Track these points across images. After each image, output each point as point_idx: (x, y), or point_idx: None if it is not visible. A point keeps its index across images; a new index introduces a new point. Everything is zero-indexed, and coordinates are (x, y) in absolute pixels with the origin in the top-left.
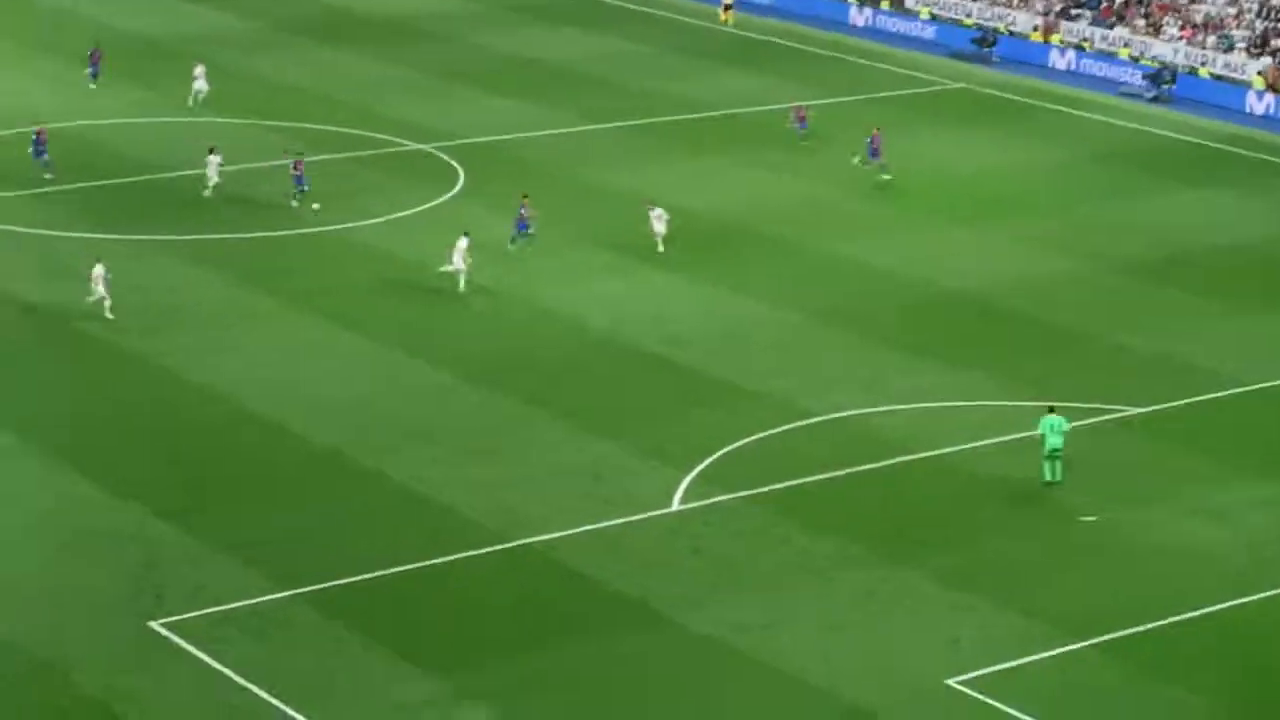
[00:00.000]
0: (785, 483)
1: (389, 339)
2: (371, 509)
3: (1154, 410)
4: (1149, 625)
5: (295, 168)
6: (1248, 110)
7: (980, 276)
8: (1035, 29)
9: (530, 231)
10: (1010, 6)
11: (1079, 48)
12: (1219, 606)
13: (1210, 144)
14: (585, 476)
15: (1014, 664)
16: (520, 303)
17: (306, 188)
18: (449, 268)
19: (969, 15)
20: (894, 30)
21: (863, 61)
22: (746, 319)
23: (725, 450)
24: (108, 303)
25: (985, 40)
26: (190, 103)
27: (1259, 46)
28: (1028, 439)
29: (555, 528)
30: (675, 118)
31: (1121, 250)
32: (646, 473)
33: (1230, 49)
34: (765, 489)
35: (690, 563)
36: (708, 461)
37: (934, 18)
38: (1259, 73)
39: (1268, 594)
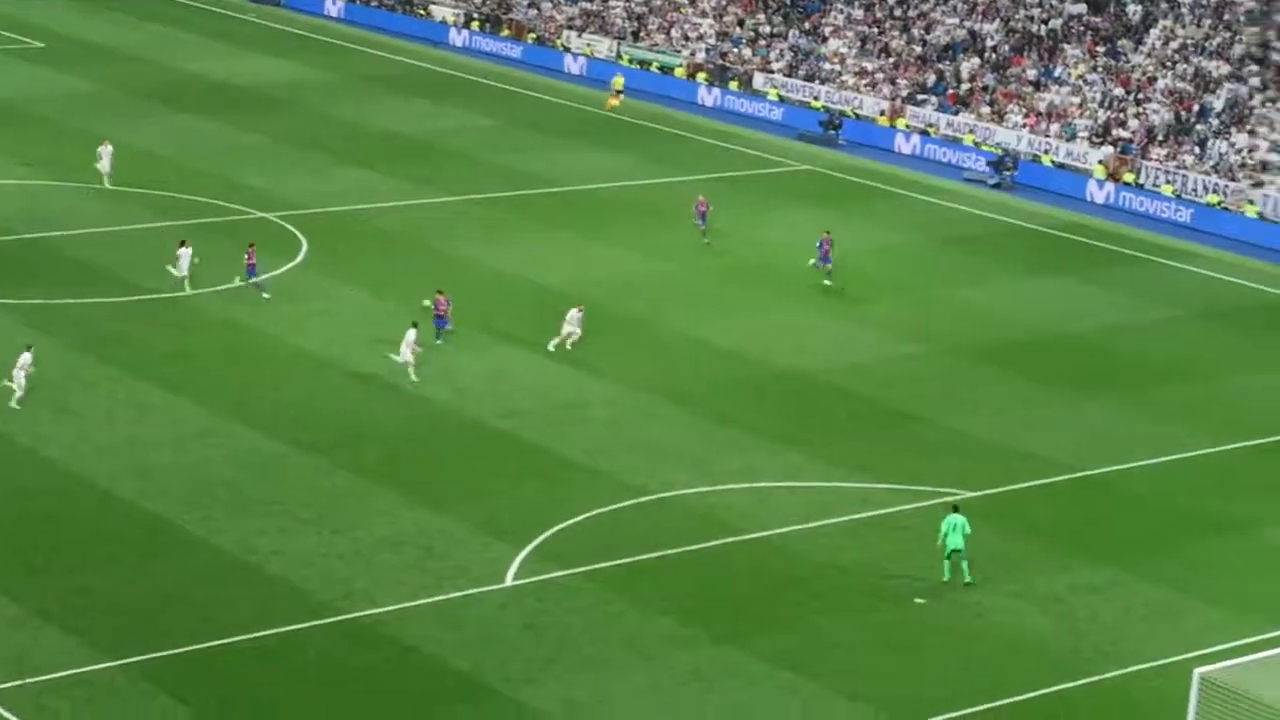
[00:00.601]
0: (618, 560)
1: (225, 407)
2: (201, 578)
3: (988, 494)
4: (976, 709)
5: (249, 257)
6: (1089, 198)
7: (821, 358)
8: (882, 113)
9: (449, 328)
10: (858, 90)
11: (924, 132)
12: (1045, 691)
13: (1052, 231)
14: (419, 549)
15: None
16: (360, 374)
17: (255, 277)
18: (397, 358)
19: (817, 98)
20: (742, 111)
21: (711, 141)
22: (587, 394)
23: (560, 526)
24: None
25: (832, 123)
26: (106, 184)
27: (1101, 136)
28: (859, 521)
29: (387, 601)
30: (525, 192)
31: (962, 335)
32: (480, 547)
33: (1073, 138)
34: (598, 566)
35: (523, 638)
36: (542, 537)
37: (782, 99)
38: (1100, 161)
39: (1093, 679)
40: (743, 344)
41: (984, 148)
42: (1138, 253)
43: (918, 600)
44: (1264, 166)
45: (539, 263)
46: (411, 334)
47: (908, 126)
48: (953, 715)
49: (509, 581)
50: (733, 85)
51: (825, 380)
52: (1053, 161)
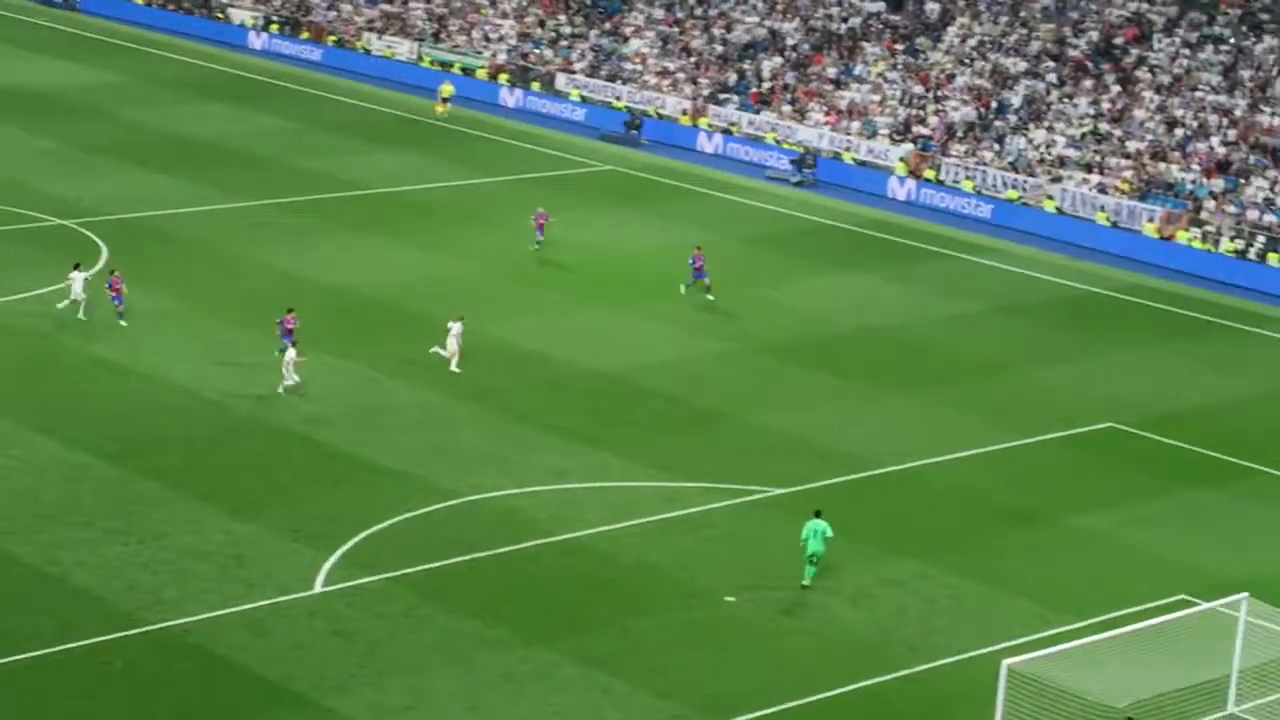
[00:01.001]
0: (428, 564)
1: (24, 417)
2: (3, 590)
3: (794, 491)
4: (787, 705)
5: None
6: (890, 195)
7: (626, 357)
8: (684, 112)
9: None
10: (660, 90)
11: (727, 131)
12: (855, 686)
13: (855, 228)
14: (225, 558)
15: None
16: (161, 382)
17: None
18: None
19: (619, 98)
20: (545, 111)
21: (514, 142)
22: (393, 398)
23: (368, 531)
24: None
25: (634, 123)
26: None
27: (901, 133)
28: (667, 520)
29: (194, 610)
30: (327, 196)
31: (767, 332)
32: (288, 554)
33: (874, 135)
34: (408, 570)
35: (332, 645)
36: (351, 543)
37: (584, 100)
38: (901, 159)
39: (903, 673)
40: (547, 345)
41: (786, 146)
42: (939, 249)
43: (727, 598)
44: (1061, 162)
45: (341, 266)
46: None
47: (710, 126)
48: (765, 712)
49: (318, 588)
50: (535, 86)
51: (631, 380)
52: (854, 159)
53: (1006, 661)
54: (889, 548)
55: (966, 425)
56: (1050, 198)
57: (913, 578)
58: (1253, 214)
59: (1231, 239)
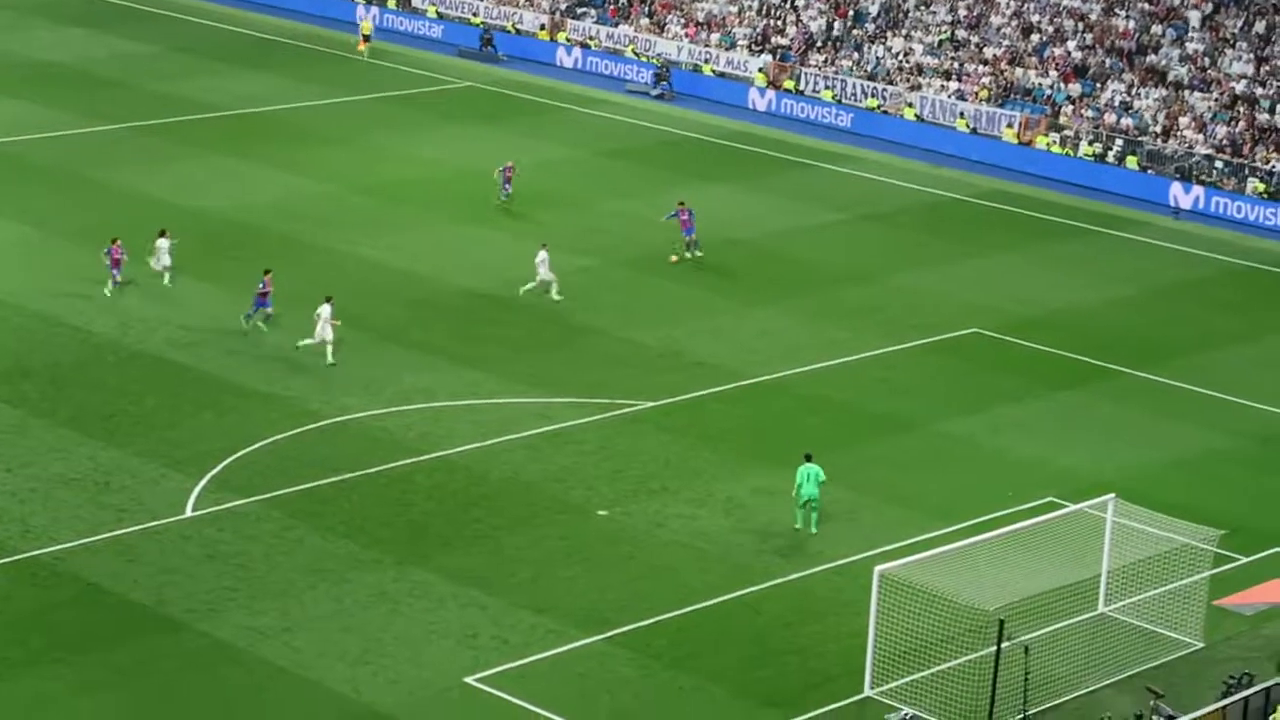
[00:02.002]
0: (297, 486)
1: None
2: None
3: (663, 404)
4: (663, 616)
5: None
6: (751, 106)
7: (492, 274)
8: (542, 27)
9: (269, 310)
10: (517, 5)
11: (585, 45)
12: (730, 596)
13: (716, 140)
14: (95, 484)
15: (531, 660)
16: (21, 309)
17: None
18: (309, 342)
19: (476, 14)
20: (402, 29)
21: (371, 60)
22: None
23: (238, 455)
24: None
25: (489, 39)
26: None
27: (760, 44)
28: (538, 436)
29: (66, 537)
30: (183, 118)
31: (630, 247)
32: (158, 479)
33: (732, 46)
34: (279, 493)
35: (205, 569)
36: (221, 466)
37: (441, 16)
38: (760, 70)
39: (776, 581)
40: (412, 263)
41: (645, 59)
42: (800, 159)
43: (600, 512)
44: (920, 70)
45: (200, 189)
46: (326, 309)
47: (568, 40)
48: (641, 624)
49: (189, 513)
50: (390, 4)
51: (497, 296)
52: (713, 71)
53: (879, 568)
54: (760, 458)
55: (832, 334)
56: (910, 105)
57: (784, 487)
58: (1110, 118)
59: (1090, 143)
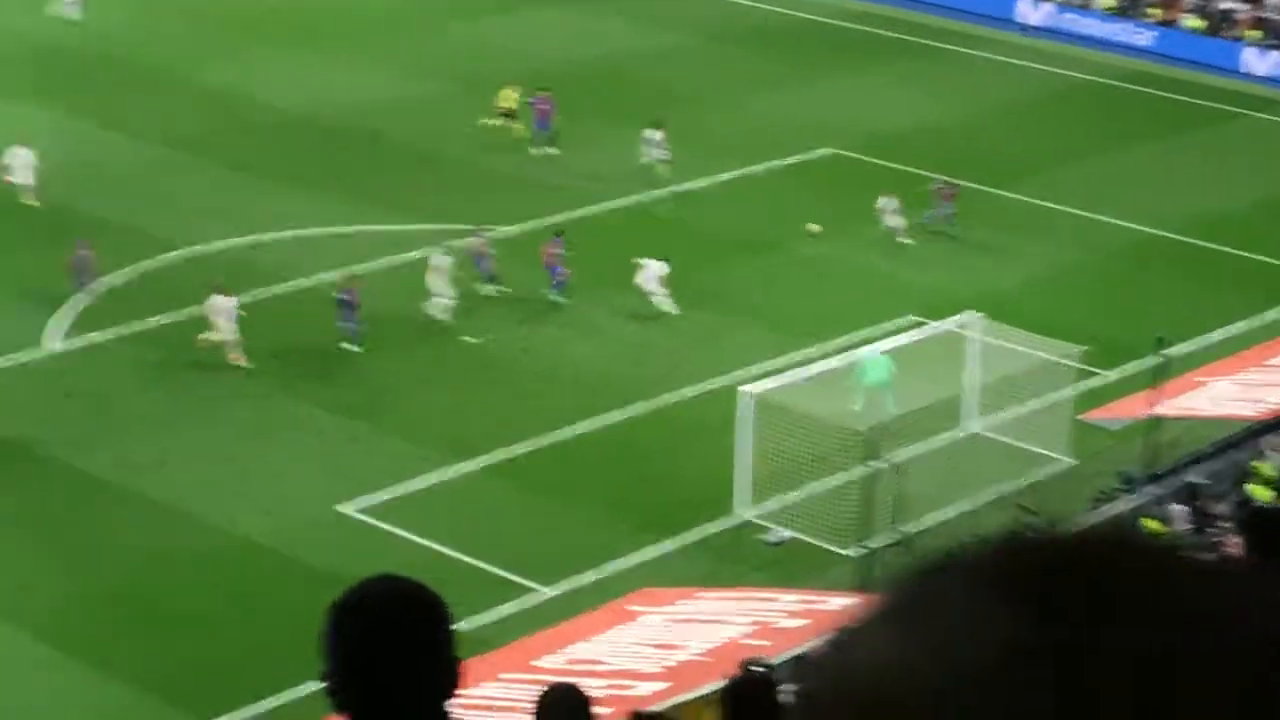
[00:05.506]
0: (161, 318)
1: None
2: None
3: (522, 229)
4: (531, 444)
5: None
6: None
7: (344, 98)
8: None
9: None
10: None
11: None
12: (599, 422)
13: None
14: None
15: (404, 488)
16: None
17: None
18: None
19: None
20: None
21: None
22: (105, 150)
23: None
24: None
25: None
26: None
27: None
28: (399, 263)
29: None
30: None
31: (482, 69)
32: (14, 314)
33: None
34: (143, 326)
35: (71, 406)
36: (79, 300)
37: None
38: None
39: (643, 406)
40: (262, 90)
41: None
42: None
43: (466, 338)
44: None
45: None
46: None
47: None
48: (512, 452)
49: (51, 347)
50: None
51: (349, 124)
52: None
53: (745, 388)
54: (624, 284)
55: (684, 156)
56: None
57: (654, 313)
58: None
59: None
